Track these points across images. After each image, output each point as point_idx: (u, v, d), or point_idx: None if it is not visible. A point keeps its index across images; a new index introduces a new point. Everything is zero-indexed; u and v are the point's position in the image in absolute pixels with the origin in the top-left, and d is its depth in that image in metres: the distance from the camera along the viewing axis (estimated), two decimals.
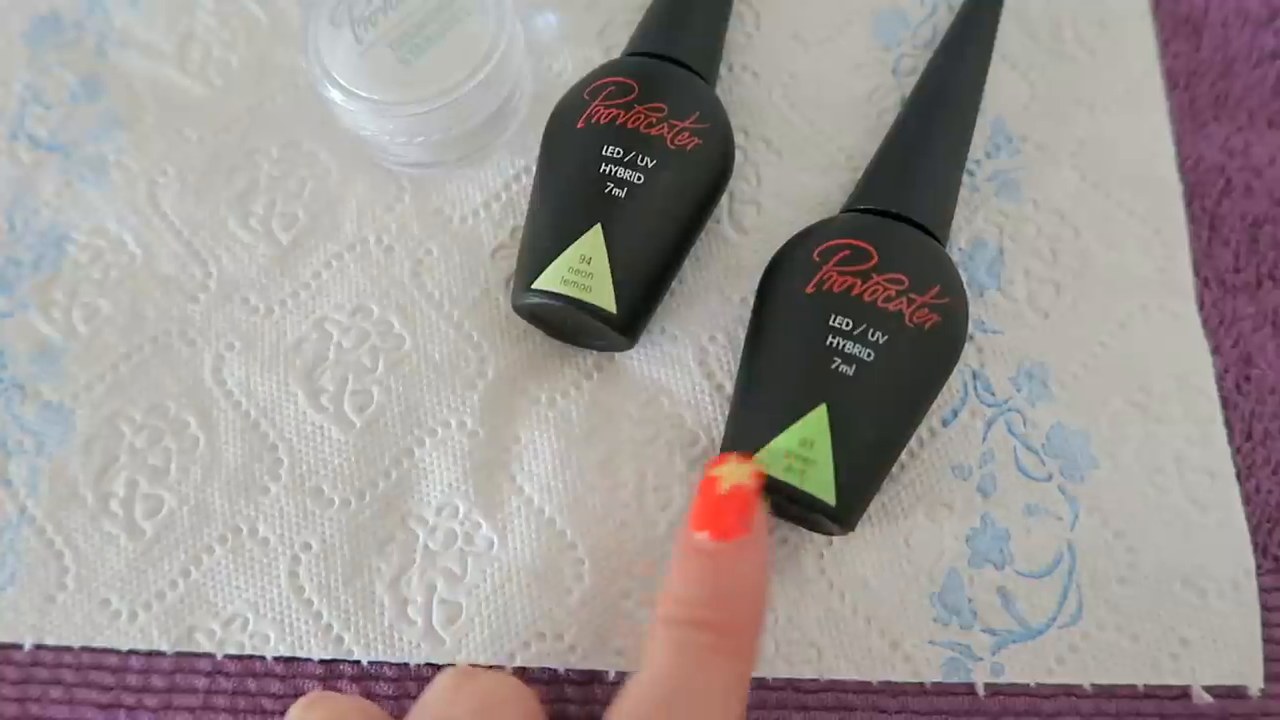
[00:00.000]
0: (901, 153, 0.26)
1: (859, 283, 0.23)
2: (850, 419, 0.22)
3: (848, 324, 0.22)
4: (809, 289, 0.23)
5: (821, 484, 0.21)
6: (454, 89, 0.26)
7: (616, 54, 0.30)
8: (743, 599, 0.20)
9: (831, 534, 0.24)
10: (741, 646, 0.20)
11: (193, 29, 0.32)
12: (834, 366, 0.22)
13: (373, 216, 0.29)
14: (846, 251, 0.23)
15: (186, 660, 0.24)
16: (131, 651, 0.25)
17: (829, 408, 0.22)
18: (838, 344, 0.22)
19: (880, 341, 0.22)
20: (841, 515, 0.22)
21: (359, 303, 0.28)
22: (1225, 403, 0.26)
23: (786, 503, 0.22)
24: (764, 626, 0.21)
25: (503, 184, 0.29)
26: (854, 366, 0.22)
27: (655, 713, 0.18)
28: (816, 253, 0.23)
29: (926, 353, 0.23)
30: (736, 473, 0.20)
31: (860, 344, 0.22)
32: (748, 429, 0.23)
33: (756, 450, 0.22)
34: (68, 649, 0.25)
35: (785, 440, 0.22)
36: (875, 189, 0.25)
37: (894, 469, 0.25)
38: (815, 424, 0.22)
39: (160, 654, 0.24)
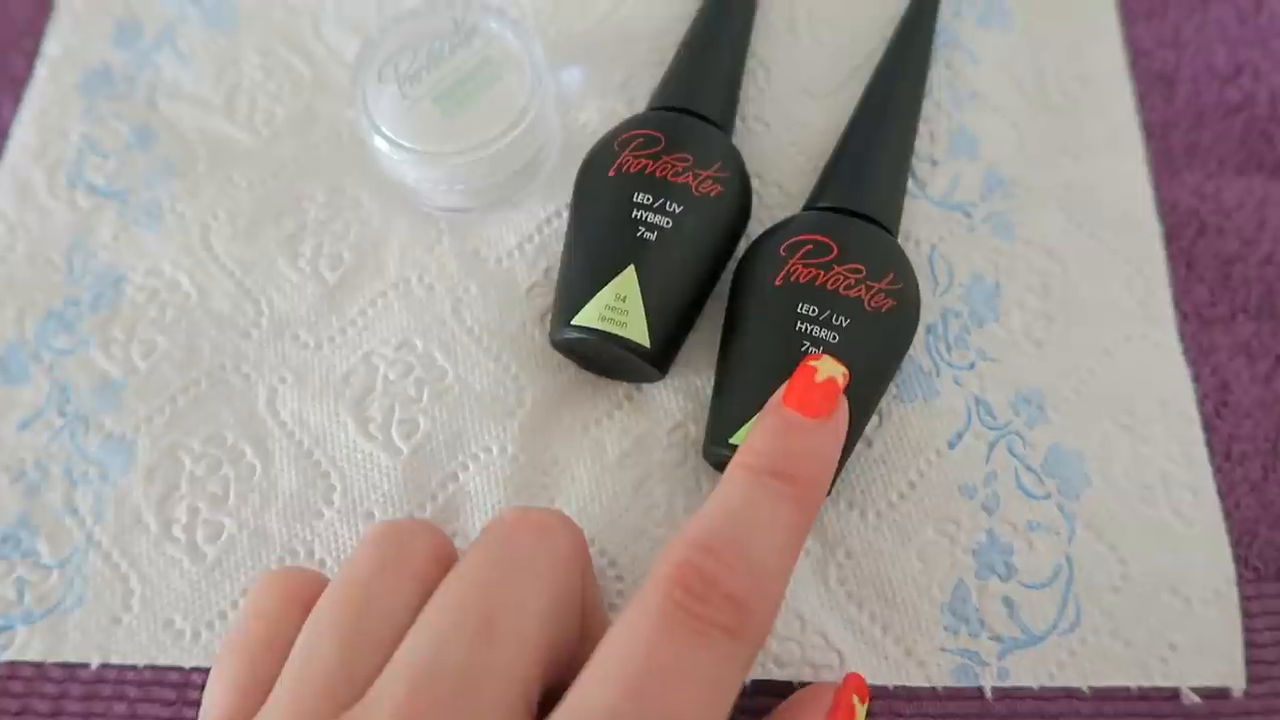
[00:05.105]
0: (853, 155, 0.29)
1: (822, 273, 0.26)
2: None
3: (814, 310, 0.25)
4: (777, 281, 0.26)
5: None
6: (492, 141, 0.28)
7: (638, 105, 0.32)
8: (815, 461, 0.22)
9: None
10: (809, 501, 0.21)
11: (240, 82, 0.34)
12: (804, 349, 0.25)
13: (414, 257, 0.31)
14: (810, 246, 0.26)
15: None
16: (194, 669, 0.26)
17: None
18: (806, 329, 0.25)
19: (844, 325, 0.25)
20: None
21: (403, 338, 0.29)
22: (1205, 425, 0.28)
23: None
24: (826, 492, 0.23)
25: (535, 227, 0.31)
26: (821, 349, 0.25)
27: (723, 540, 0.19)
28: (782, 248, 0.26)
29: (885, 332, 0.26)
30: (831, 368, 0.23)
31: (826, 328, 0.25)
32: (728, 414, 0.25)
33: (736, 432, 0.24)
34: (132, 667, 0.26)
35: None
36: (831, 188, 0.29)
37: (904, 488, 0.27)
38: None
39: None
